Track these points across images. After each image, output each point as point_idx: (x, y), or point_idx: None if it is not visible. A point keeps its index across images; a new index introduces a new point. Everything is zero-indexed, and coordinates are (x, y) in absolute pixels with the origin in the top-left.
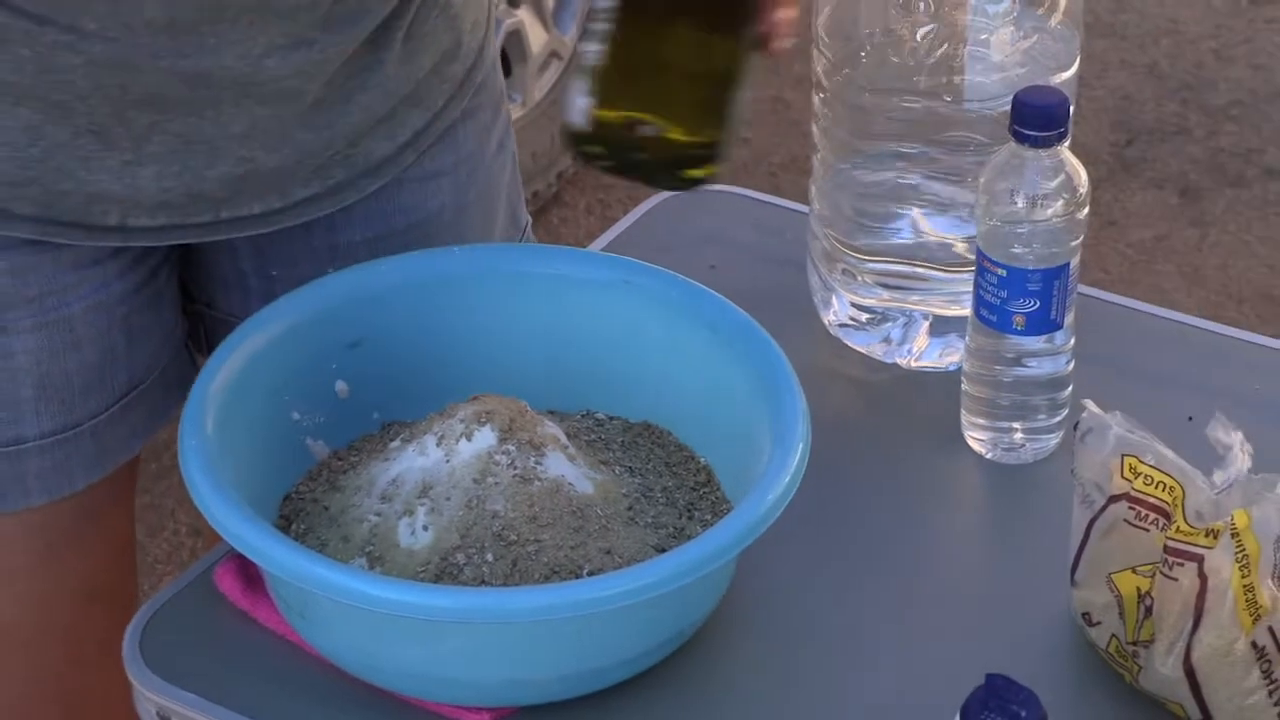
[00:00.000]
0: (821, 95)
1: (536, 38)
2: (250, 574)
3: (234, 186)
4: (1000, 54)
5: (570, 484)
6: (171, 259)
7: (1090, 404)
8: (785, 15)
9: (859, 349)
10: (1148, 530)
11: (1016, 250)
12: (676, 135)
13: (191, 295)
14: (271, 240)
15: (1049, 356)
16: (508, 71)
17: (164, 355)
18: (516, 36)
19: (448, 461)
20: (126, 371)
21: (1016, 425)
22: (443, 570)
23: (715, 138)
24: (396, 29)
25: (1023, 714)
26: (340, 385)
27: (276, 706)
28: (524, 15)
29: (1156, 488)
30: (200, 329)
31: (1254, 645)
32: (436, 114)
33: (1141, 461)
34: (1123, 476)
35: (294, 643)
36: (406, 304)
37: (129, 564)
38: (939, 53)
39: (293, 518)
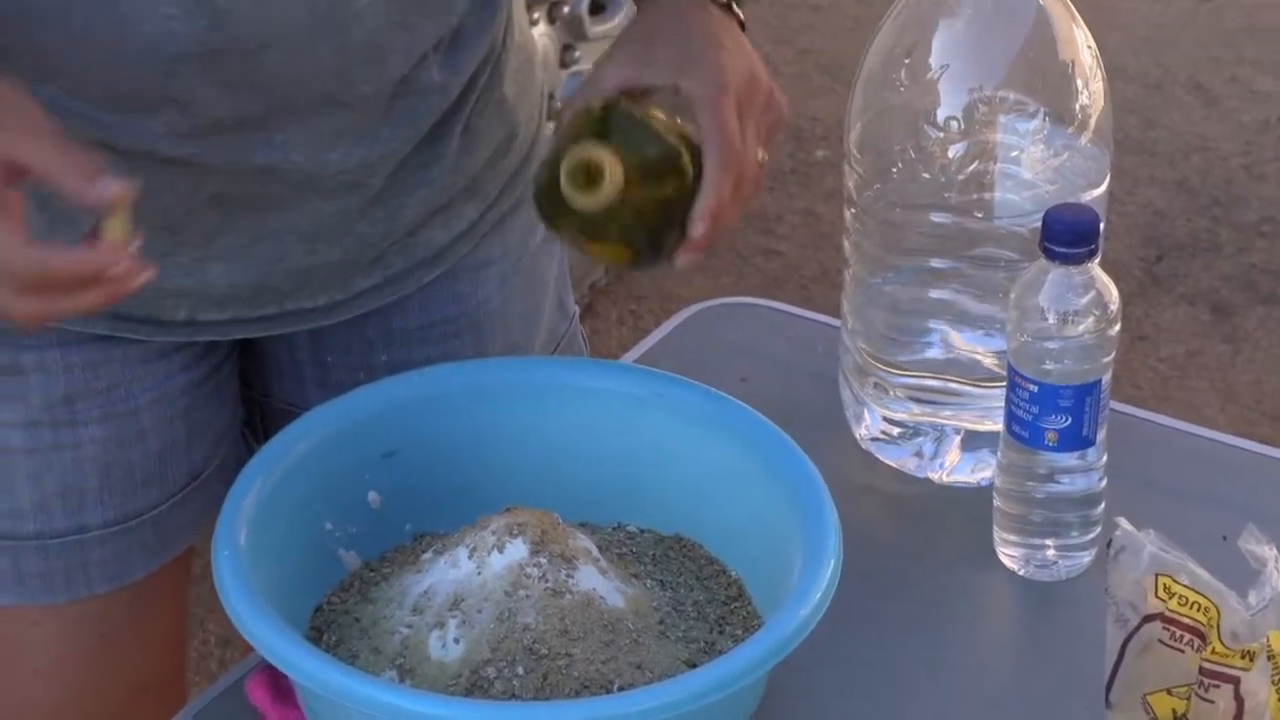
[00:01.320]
0: (853, 210)
1: None
2: (282, 685)
3: (298, 279)
4: (1031, 171)
5: (602, 597)
6: (234, 352)
7: (1124, 521)
8: (695, 240)
9: (890, 463)
10: (1183, 651)
11: (1048, 366)
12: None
13: (250, 383)
14: (330, 328)
15: (1081, 473)
16: None
17: (223, 446)
18: None
19: (479, 574)
20: (187, 462)
21: (1049, 542)
22: (474, 684)
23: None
24: (454, 124)
25: None
26: (373, 496)
27: None
28: None
29: (1191, 608)
30: (257, 417)
31: None
32: (490, 205)
33: (1176, 581)
34: (1157, 596)
35: None
36: (439, 415)
37: (180, 655)
38: (970, 169)
39: (324, 629)
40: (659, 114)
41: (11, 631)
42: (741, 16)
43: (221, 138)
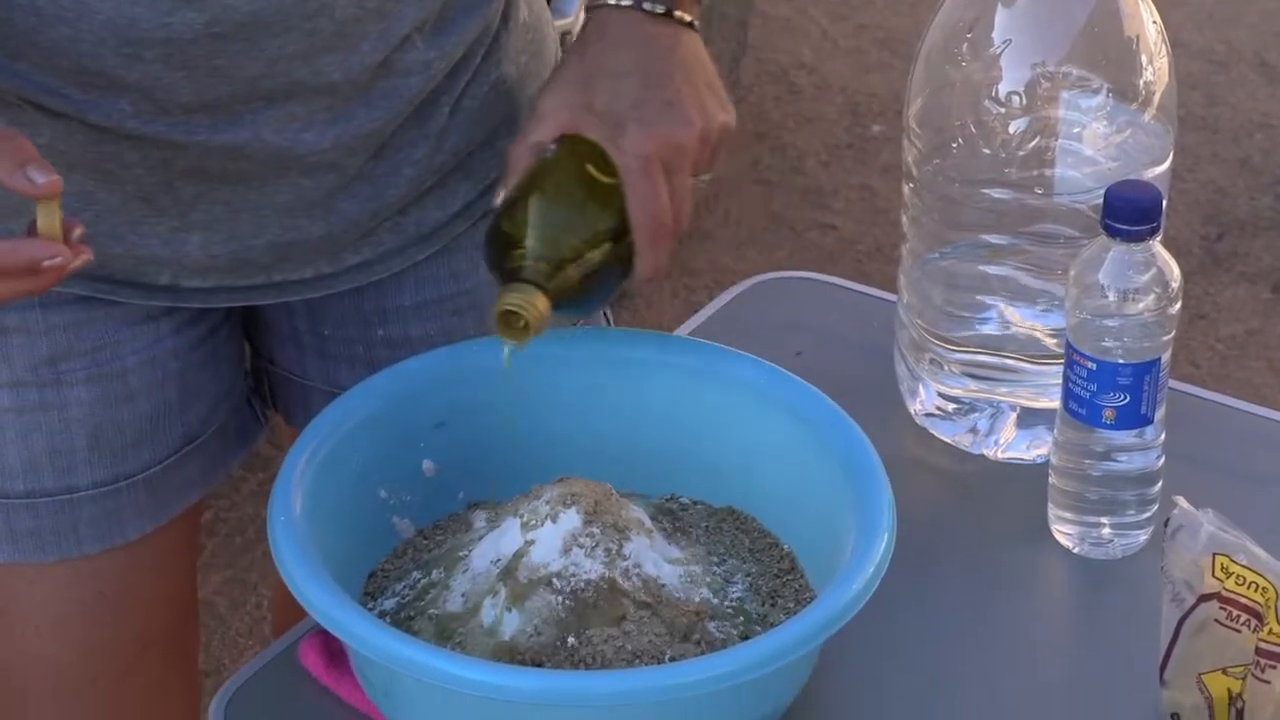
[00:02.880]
0: (911, 185)
1: None
2: (334, 650)
3: (281, 253)
4: (1093, 148)
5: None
6: (233, 318)
7: (1182, 500)
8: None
9: (945, 439)
10: (1239, 631)
11: (1107, 344)
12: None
13: (258, 351)
14: (323, 302)
15: (1139, 451)
16: None
17: (222, 411)
18: None
19: (532, 543)
20: (181, 425)
21: (1105, 520)
22: (525, 651)
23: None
24: (442, 104)
25: None
26: (427, 464)
27: None
28: None
29: (1249, 588)
30: (265, 385)
31: None
32: (490, 185)
33: (1233, 561)
34: (1214, 576)
35: None
36: (492, 386)
37: (186, 615)
38: (1031, 145)
39: (377, 595)
40: (594, 171)
41: (9, 589)
42: (688, 18)
43: (189, 118)
